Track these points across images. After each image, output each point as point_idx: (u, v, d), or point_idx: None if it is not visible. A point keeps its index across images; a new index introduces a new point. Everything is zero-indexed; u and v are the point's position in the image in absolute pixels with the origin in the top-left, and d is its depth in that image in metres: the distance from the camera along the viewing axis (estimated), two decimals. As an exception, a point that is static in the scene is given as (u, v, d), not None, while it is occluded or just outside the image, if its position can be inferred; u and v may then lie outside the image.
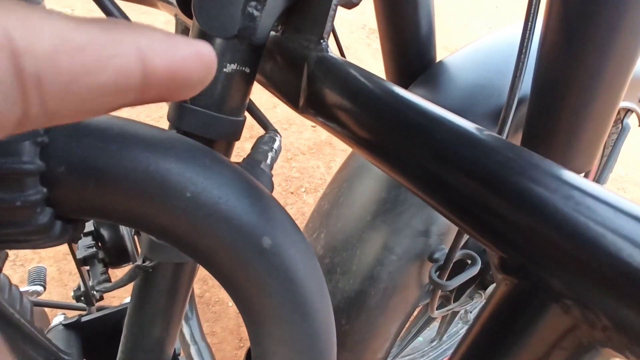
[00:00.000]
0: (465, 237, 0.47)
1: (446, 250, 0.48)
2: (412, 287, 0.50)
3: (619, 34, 0.33)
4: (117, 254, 0.39)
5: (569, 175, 0.16)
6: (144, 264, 0.32)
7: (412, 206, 0.46)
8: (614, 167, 0.79)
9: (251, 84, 0.30)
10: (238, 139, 0.31)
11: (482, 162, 0.18)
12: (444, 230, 0.47)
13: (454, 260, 0.44)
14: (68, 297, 1.11)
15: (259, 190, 0.22)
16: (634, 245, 0.12)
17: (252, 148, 0.28)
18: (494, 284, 0.70)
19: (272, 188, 0.26)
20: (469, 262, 0.47)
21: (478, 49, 0.53)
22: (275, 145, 0.29)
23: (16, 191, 0.17)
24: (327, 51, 0.26)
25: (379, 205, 0.47)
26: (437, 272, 0.46)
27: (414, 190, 0.22)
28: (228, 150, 0.31)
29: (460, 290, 0.75)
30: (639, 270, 0.12)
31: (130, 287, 0.36)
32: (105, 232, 0.40)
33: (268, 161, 0.27)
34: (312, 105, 0.27)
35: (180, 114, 0.28)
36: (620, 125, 0.71)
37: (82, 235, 0.36)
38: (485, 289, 0.77)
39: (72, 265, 1.14)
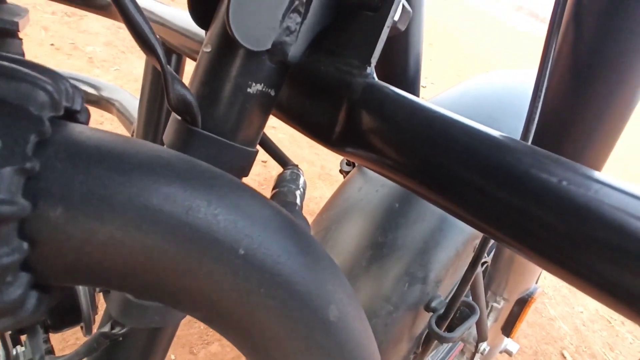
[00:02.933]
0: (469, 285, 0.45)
1: (443, 299, 0.45)
2: (405, 339, 0.46)
3: (622, 84, 0.34)
4: (65, 315, 0.30)
5: None
6: (112, 331, 0.25)
7: (411, 251, 0.43)
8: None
9: (271, 110, 0.25)
10: (247, 174, 0.26)
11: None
12: (441, 276, 0.45)
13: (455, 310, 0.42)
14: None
15: (314, 244, 0.17)
16: None
17: (276, 186, 0.23)
18: (469, 330, 0.68)
19: (310, 232, 0.21)
20: (469, 311, 0.44)
21: (466, 92, 0.54)
22: (301, 183, 0.24)
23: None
24: (374, 78, 0.23)
25: (375, 250, 0.43)
26: (437, 323, 0.42)
27: (486, 230, 0.19)
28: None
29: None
30: None
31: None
32: (51, 286, 0.30)
33: (298, 201, 0.22)
34: (353, 138, 0.23)
35: (186, 139, 0.22)
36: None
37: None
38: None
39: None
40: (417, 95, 0.56)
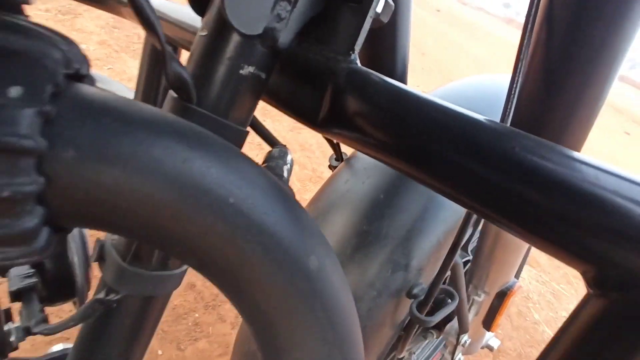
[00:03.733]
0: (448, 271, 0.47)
1: (424, 286, 0.47)
2: (387, 324, 0.48)
3: (587, 90, 0.36)
4: (61, 287, 0.31)
5: None
6: (107, 297, 0.26)
7: (396, 239, 0.45)
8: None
9: (262, 92, 0.27)
10: (239, 152, 0.27)
11: (560, 174, 0.17)
12: (423, 264, 0.47)
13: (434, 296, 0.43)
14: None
15: (297, 205, 0.19)
16: None
17: (265, 162, 0.25)
18: (450, 323, 0.70)
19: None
20: (448, 297, 0.46)
21: (446, 94, 0.56)
22: (288, 159, 0.26)
23: (3, 175, 0.12)
24: (357, 64, 0.25)
25: (360, 238, 0.45)
26: (418, 308, 0.44)
27: (466, 203, 0.21)
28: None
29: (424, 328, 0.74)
30: None
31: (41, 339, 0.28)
32: (48, 258, 0.32)
33: (286, 175, 0.24)
34: (336, 120, 0.25)
35: (181, 115, 0.24)
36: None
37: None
38: (439, 328, 0.77)
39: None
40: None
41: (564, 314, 1.78)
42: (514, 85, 0.30)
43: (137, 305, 0.27)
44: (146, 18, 0.20)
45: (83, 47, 2.03)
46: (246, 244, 0.16)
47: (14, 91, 0.12)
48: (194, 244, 0.16)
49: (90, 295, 0.31)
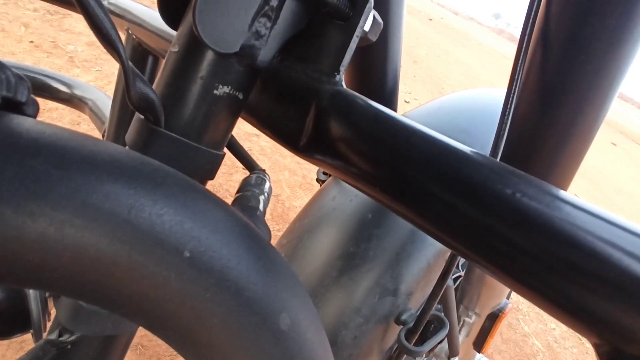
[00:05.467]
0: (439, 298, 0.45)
1: (413, 312, 0.45)
2: (374, 352, 0.46)
3: (586, 108, 0.35)
4: (14, 320, 0.28)
5: None
6: (60, 339, 0.23)
7: (383, 263, 0.42)
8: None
9: (239, 113, 0.25)
10: (213, 177, 0.25)
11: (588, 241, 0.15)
12: (412, 289, 0.44)
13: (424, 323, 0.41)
14: None
15: (269, 249, 0.16)
16: None
17: (240, 190, 0.23)
18: (440, 345, 0.68)
19: (270, 239, 0.20)
20: (438, 324, 0.44)
21: (440, 107, 0.55)
22: (266, 188, 0.24)
23: None
24: (342, 85, 0.23)
25: (347, 260, 0.43)
26: (406, 336, 0.42)
27: (453, 246, 0.18)
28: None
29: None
30: None
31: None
32: None
33: (261, 207, 0.22)
34: (319, 144, 0.23)
35: (148, 139, 0.22)
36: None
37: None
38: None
39: None
40: (395, 108, 0.57)
41: (554, 326, 1.78)
42: (505, 119, 0.28)
43: (96, 346, 0.25)
44: (104, 34, 0.18)
45: (71, 47, 1.99)
46: (204, 305, 0.13)
47: None
48: (142, 305, 0.13)
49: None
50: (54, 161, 0.12)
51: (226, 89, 0.22)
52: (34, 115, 0.15)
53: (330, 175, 0.60)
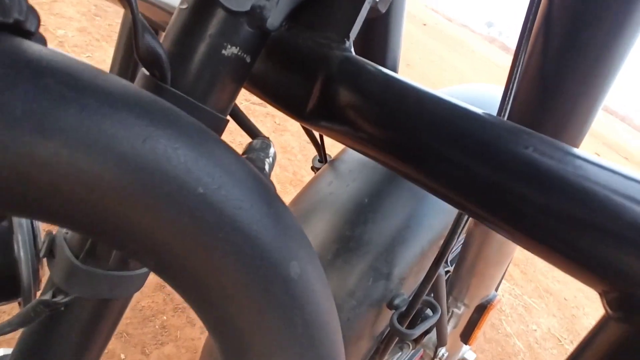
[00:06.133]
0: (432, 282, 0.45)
1: (406, 297, 0.45)
2: (366, 336, 0.46)
3: (583, 95, 0.35)
4: (3, 286, 0.27)
5: None
6: (53, 299, 0.23)
7: (379, 247, 0.43)
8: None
9: (246, 77, 0.24)
10: (216, 142, 0.25)
11: (578, 182, 0.15)
12: (405, 274, 0.45)
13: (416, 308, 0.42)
14: None
15: (279, 201, 0.16)
16: None
17: (245, 153, 0.23)
18: (428, 335, 0.68)
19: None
20: (430, 310, 0.44)
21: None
22: (271, 152, 0.23)
23: None
24: (352, 51, 0.23)
25: (342, 243, 0.43)
26: (399, 320, 0.42)
27: (463, 205, 0.19)
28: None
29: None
30: None
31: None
32: (-11, 252, 0.27)
33: (267, 169, 0.22)
34: (326, 112, 0.23)
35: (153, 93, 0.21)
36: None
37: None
38: (416, 340, 0.76)
39: None
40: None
41: (535, 327, 1.81)
42: (513, 80, 0.28)
43: (90, 309, 0.24)
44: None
45: (61, 32, 1.95)
46: (216, 244, 0.13)
47: None
48: (152, 242, 0.13)
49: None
50: (69, 83, 0.12)
51: (234, 50, 0.22)
52: (43, 44, 0.15)
53: (326, 163, 0.60)
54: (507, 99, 0.28)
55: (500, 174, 0.17)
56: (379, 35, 0.48)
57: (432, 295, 0.50)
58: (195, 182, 0.13)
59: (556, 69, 0.31)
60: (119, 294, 0.24)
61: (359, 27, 0.23)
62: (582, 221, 0.14)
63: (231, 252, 0.13)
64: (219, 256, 0.13)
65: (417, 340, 0.75)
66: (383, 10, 0.24)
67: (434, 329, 0.59)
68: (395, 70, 0.53)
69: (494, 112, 0.50)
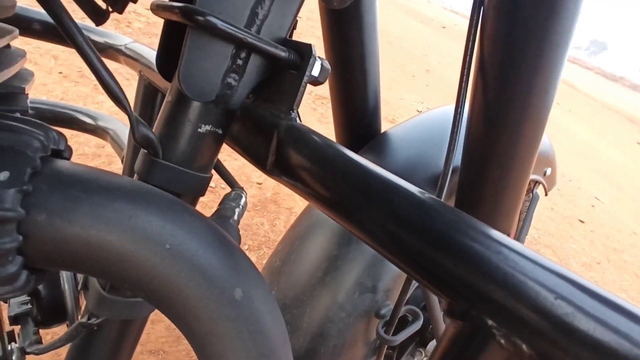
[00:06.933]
0: (409, 293, 0.50)
1: (391, 307, 0.50)
2: (359, 344, 0.51)
3: (526, 123, 0.41)
4: (53, 312, 0.36)
5: (498, 235, 0.20)
6: (88, 321, 0.30)
7: (362, 263, 0.48)
8: (528, 230, 0.90)
9: (221, 144, 0.32)
10: (203, 194, 0.32)
11: (429, 223, 0.21)
12: (390, 286, 0.50)
13: (399, 316, 0.47)
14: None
15: (231, 245, 0.23)
16: (546, 290, 0.16)
17: (220, 204, 0.30)
18: (433, 341, 0.72)
19: (239, 241, 0.27)
20: (412, 318, 0.49)
21: (418, 123, 0.61)
22: (242, 202, 0.30)
23: (-9, 238, 0.17)
24: (296, 121, 0.30)
25: (330, 262, 0.49)
26: (384, 328, 0.47)
27: (373, 245, 0.25)
28: (193, 205, 0.32)
29: (401, 350, 0.76)
30: (551, 311, 0.15)
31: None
32: (42, 287, 0.36)
33: (235, 217, 0.29)
34: (280, 167, 0.30)
35: (150, 168, 0.29)
36: (531, 195, 0.82)
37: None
38: (425, 346, 0.80)
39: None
40: (379, 124, 0.63)
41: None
42: (450, 160, 0.34)
43: (116, 328, 0.32)
44: (114, 94, 0.25)
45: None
46: (179, 281, 0.20)
47: (2, 176, 0.17)
48: (141, 282, 0.20)
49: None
50: (81, 189, 0.19)
51: (208, 127, 0.29)
52: (69, 158, 0.23)
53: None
54: (443, 184, 0.34)
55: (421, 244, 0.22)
56: (355, 90, 0.55)
57: (425, 300, 0.55)
58: (164, 241, 0.20)
59: (482, 167, 0.38)
60: (136, 315, 0.32)
61: (300, 100, 0.30)
62: (443, 261, 0.20)
63: (190, 285, 0.20)
64: (183, 288, 0.20)
65: (426, 345, 0.79)
66: (323, 81, 0.31)
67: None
68: (376, 117, 0.60)
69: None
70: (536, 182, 0.83)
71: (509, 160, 0.43)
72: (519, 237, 0.86)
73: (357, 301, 0.49)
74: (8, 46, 0.24)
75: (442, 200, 0.36)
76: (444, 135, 0.59)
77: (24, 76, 0.25)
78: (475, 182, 0.45)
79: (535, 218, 2.70)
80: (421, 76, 4.78)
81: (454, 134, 0.38)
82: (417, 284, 0.56)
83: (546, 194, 0.89)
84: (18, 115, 0.20)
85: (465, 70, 0.39)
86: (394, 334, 0.48)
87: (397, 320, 0.47)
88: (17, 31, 0.23)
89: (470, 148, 0.45)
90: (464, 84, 0.38)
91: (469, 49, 0.38)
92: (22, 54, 0.24)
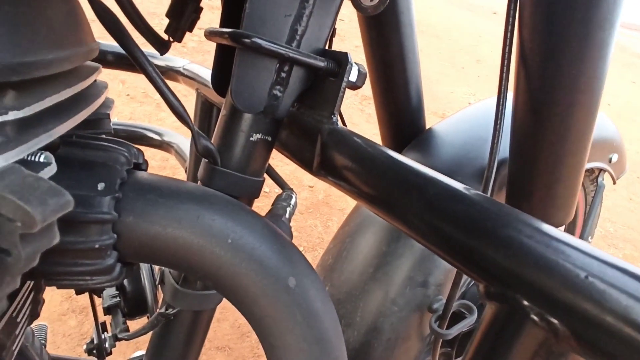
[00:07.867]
0: (462, 288, 0.50)
1: (444, 301, 0.50)
2: (413, 338, 0.52)
3: (575, 109, 0.39)
4: (136, 305, 0.41)
5: (529, 219, 0.21)
6: (166, 312, 0.35)
7: (411, 259, 0.49)
8: (597, 222, 0.84)
9: (271, 150, 0.35)
10: (258, 196, 0.35)
11: (469, 215, 0.22)
12: (441, 280, 0.50)
13: (452, 310, 0.47)
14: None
15: (284, 239, 0.26)
16: (577, 269, 0.16)
17: (273, 204, 0.33)
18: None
19: (291, 237, 0.30)
20: (467, 313, 0.49)
21: (462, 118, 0.60)
22: (292, 202, 0.33)
23: (94, 235, 0.21)
24: (337, 124, 0.32)
25: (381, 258, 0.51)
26: (437, 322, 0.48)
27: (414, 237, 0.26)
28: (249, 205, 0.35)
29: (461, 345, 0.75)
30: (582, 289, 0.16)
31: (127, 344, 0.38)
32: (127, 283, 0.43)
33: (287, 215, 0.32)
34: (325, 168, 0.32)
35: (211, 175, 0.33)
36: (596, 184, 0.77)
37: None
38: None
39: (66, 326, 1.12)
40: (423, 121, 0.64)
41: None
42: (493, 158, 0.35)
43: (189, 318, 0.36)
44: (178, 112, 0.29)
45: (158, 96, 2.33)
46: (240, 270, 0.23)
47: (100, 186, 0.21)
48: (209, 271, 0.24)
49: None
50: (160, 194, 0.23)
51: (259, 136, 0.33)
52: (146, 169, 0.27)
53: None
54: (488, 177, 0.34)
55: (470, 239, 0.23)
56: (398, 87, 0.56)
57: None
58: (225, 236, 0.23)
59: (532, 157, 0.37)
60: (206, 306, 0.36)
61: (339, 106, 0.32)
62: (480, 247, 0.21)
63: (249, 274, 0.23)
64: (243, 277, 0.23)
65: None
66: (361, 85, 0.33)
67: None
68: (419, 113, 0.61)
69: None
70: (601, 170, 0.77)
71: (560, 149, 0.42)
72: (584, 229, 0.81)
73: (409, 295, 0.49)
74: (95, 80, 0.29)
75: (488, 194, 0.36)
76: (490, 128, 0.58)
77: (107, 103, 0.30)
78: (525, 174, 0.44)
79: (611, 210, 2.46)
80: (472, 67, 4.58)
81: (497, 126, 0.38)
82: (472, 281, 0.55)
83: (614, 182, 0.82)
84: (104, 136, 0.25)
85: (505, 60, 0.38)
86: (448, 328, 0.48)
87: (450, 315, 0.47)
88: (100, 67, 0.28)
89: (517, 139, 0.44)
90: (504, 74, 0.37)
91: (508, 38, 0.38)
92: (105, 85, 0.29)
